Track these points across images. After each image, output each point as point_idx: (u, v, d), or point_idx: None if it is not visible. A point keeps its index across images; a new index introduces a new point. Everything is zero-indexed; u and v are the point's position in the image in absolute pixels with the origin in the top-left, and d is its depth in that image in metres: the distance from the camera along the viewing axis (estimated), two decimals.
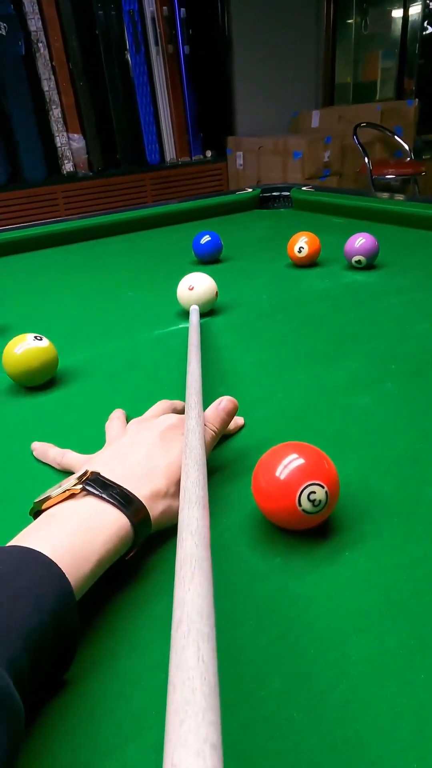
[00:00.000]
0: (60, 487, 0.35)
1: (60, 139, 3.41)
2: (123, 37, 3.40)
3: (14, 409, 0.58)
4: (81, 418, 0.56)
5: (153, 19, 3.43)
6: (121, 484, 0.35)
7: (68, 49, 3.26)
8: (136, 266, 1.11)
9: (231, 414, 0.45)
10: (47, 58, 3.21)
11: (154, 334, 0.75)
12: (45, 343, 0.59)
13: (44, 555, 0.29)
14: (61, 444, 0.48)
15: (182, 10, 3.51)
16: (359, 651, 0.29)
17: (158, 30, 3.48)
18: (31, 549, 0.29)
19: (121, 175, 3.60)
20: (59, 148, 3.42)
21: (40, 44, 3.16)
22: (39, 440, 0.50)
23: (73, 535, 0.31)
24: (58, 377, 0.64)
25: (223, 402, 0.44)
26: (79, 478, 0.35)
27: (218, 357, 0.67)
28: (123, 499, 0.34)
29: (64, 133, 3.41)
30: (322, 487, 0.35)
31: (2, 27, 3.01)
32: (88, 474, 0.35)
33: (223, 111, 3.93)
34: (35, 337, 0.59)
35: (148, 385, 0.62)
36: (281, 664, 0.29)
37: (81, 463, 0.43)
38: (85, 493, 0.34)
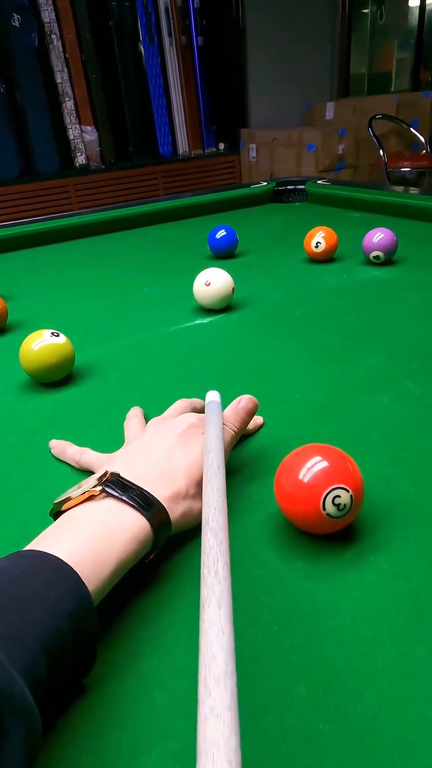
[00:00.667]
0: (79, 488, 0.34)
1: (73, 132, 3.40)
2: (136, 28, 3.37)
3: (31, 405, 0.58)
4: (98, 415, 0.55)
5: (167, 10, 3.40)
6: (141, 486, 0.35)
7: (81, 41, 3.24)
8: (150, 261, 1.10)
9: (251, 413, 0.44)
10: (60, 50, 3.20)
11: (171, 330, 0.75)
12: (62, 339, 0.59)
13: (58, 558, 0.28)
14: (79, 441, 0.48)
15: (196, 0, 3.48)
16: (386, 659, 0.29)
17: (171, 21, 3.45)
18: (44, 552, 0.29)
19: (133, 167, 3.58)
20: (72, 141, 3.41)
21: (53, 36, 3.15)
22: (56, 437, 0.49)
23: (91, 539, 0.31)
24: (74, 373, 0.63)
25: (243, 401, 0.44)
26: (99, 479, 0.34)
27: (234, 353, 0.67)
28: (143, 501, 0.33)
29: (77, 126, 3.40)
30: (347, 490, 0.34)
31: (16, 19, 2.99)
32: (108, 475, 0.34)
33: (237, 103, 3.89)
34: (52, 333, 0.58)
35: (164, 382, 0.61)
36: (305, 673, 0.28)
37: (99, 462, 0.43)
38: (104, 494, 0.33)
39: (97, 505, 0.33)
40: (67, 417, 0.55)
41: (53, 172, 3.37)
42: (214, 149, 3.91)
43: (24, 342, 0.58)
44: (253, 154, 3.78)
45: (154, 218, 1.40)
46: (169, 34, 3.48)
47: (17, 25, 3.00)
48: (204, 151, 3.86)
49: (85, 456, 0.44)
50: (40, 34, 3.11)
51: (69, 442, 0.47)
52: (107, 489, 0.33)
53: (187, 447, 0.39)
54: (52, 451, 0.48)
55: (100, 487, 0.33)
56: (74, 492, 0.34)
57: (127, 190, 3.54)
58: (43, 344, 0.57)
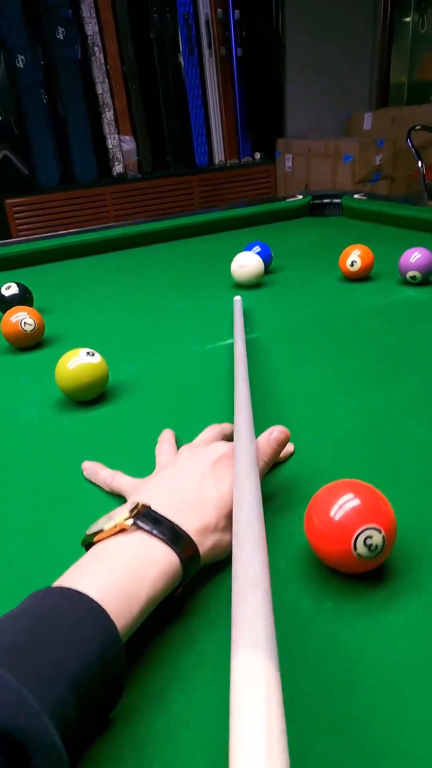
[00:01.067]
0: (111, 519, 0.35)
1: (111, 141, 3.46)
2: (176, 40, 3.42)
3: (66, 424, 0.59)
4: (130, 434, 0.56)
5: (207, 22, 3.44)
6: (171, 517, 0.35)
7: (123, 53, 3.31)
8: (184, 275, 1.11)
9: (282, 444, 0.44)
10: (102, 61, 3.26)
11: (205, 348, 0.75)
12: (97, 359, 0.59)
13: (88, 596, 0.28)
14: (110, 460, 0.48)
15: (236, 11, 3.50)
16: (419, 713, 0.28)
17: (212, 32, 3.48)
18: (74, 590, 0.29)
19: (169, 177, 3.62)
20: (110, 150, 3.47)
21: (95, 48, 3.22)
22: (89, 456, 0.50)
23: (121, 574, 0.31)
24: (108, 391, 0.64)
25: (275, 432, 0.43)
26: (131, 511, 0.34)
27: (266, 374, 0.66)
28: (172, 535, 0.33)
29: (116, 135, 3.46)
30: (380, 531, 0.33)
31: (60, 31, 3.07)
32: (140, 508, 0.35)
33: (274, 112, 3.90)
34: (87, 352, 0.59)
35: (198, 402, 0.61)
36: (332, 724, 0.28)
37: (130, 487, 0.43)
38: (135, 528, 0.34)
39: (128, 539, 0.33)
40: (100, 436, 0.56)
41: (91, 181, 3.44)
42: (250, 159, 3.92)
43: (60, 361, 0.60)
44: (288, 164, 3.78)
45: (190, 231, 1.41)
46: (209, 46, 3.51)
47: (61, 38, 3.08)
48: (240, 161, 3.88)
49: (117, 480, 0.45)
50: (83, 46, 3.19)
51: (101, 465, 0.48)
52: (139, 522, 0.33)
53: (218, 478, 0.39)
54: (84, 472, 0.49)
55: (131, 520, 0.34)
56: (106, 524, 0.34)
57: (163, 198, 3.58)
58: (78, 363, 0.58)
